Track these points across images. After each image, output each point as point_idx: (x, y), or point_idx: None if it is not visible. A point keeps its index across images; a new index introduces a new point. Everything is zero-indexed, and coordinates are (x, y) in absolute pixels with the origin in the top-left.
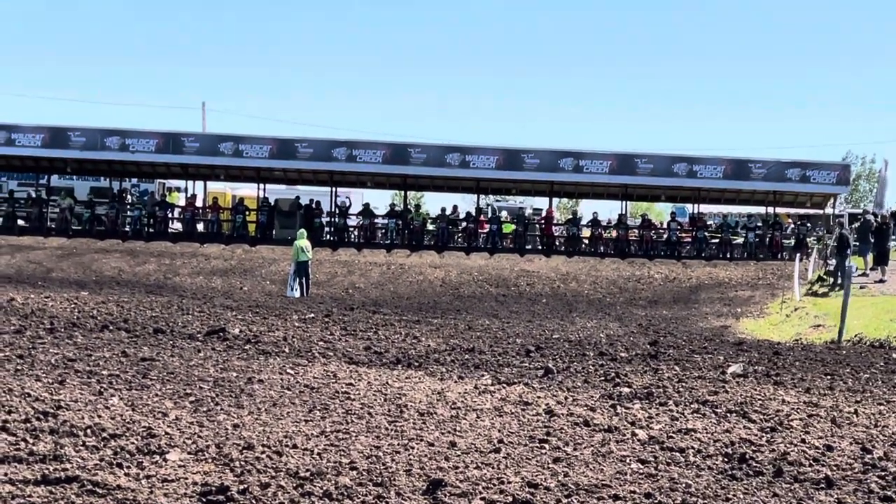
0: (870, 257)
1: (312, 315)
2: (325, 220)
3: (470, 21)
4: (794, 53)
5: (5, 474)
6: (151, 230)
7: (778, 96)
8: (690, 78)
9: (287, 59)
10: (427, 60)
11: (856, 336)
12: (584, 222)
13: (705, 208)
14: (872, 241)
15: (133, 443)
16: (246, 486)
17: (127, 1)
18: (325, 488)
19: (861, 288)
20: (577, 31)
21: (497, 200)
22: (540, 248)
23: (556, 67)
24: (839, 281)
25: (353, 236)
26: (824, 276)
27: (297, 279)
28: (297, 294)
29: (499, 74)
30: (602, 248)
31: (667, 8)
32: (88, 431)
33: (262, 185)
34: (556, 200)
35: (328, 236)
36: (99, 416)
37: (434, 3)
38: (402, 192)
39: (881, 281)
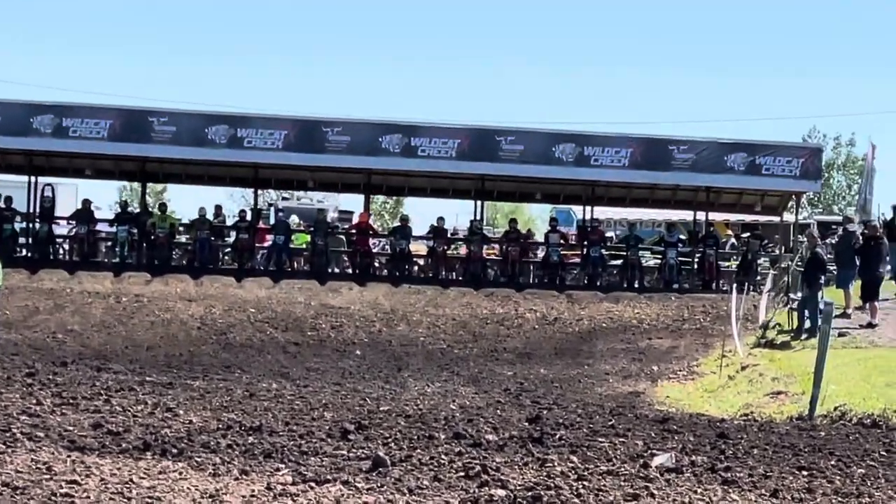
0: (853, 289)
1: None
2: (19, 226)
3: None
4: None
5: None
6: None
7: (711, 47)
8: (575, 22)
9: None
10: None
11: (836, 409)
12: (418, 232)
13: (602, 212)
14: (858, 265)
15: None
16: None
17: None
18: None
19: (841, 336)
20: None
21: (285, 198)
22: (350, 270)
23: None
24: (807, 325)
25: (63, 251)
26: (779, 323)
27: None
28: None
29: (288, 13)
30: (445, 271)
31: None
32: None
33: None
34: (375, 199)
35: (24, 251)
36: None
37: None
38: (140, 185)
39: (870, 325)
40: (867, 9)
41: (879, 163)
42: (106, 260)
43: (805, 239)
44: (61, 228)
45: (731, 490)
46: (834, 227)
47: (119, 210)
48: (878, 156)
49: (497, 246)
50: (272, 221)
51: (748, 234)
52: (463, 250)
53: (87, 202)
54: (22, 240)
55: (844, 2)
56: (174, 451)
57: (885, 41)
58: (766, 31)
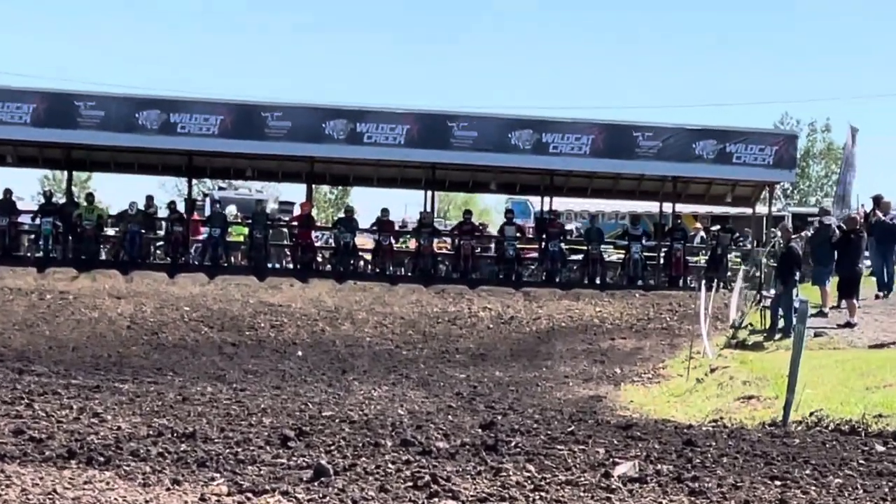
0: (830, 286)
1: None
2: None
3: None
4: None
5: None
6: None
7: (677, 30)
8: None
9: None
10: None
11: (812, 414)
12: (364, 225)
13: (562, 203)
14: (835, 260)
15: None
16: None
17: None
18: None
19: (817, 336)
20: None
21: (221, 188)
22: (292, 265)
23: None
24: (781, 324)
25: None
26: (751, 323)
27: None
28: None
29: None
30: (393, 266)
31: None
32: None
33: None
34: (319, 188)
35: None
36: None
37: None
38: (66, 173)
39: (849, 325)
40: None
41: (858, 151)
42: (29, 254)
43: (779, 232)
44: None
45: (698, 501)
46: (810, 219)
47: (43, 201)
48: (858, 143)
49: (448, 239)
50: (207, 213)
51: (718, 227)
52: (412, 244)
53: (8, 192)
54: None
55: None
56: (101, 459)
57: (858, 27)
58: (734, 14)
